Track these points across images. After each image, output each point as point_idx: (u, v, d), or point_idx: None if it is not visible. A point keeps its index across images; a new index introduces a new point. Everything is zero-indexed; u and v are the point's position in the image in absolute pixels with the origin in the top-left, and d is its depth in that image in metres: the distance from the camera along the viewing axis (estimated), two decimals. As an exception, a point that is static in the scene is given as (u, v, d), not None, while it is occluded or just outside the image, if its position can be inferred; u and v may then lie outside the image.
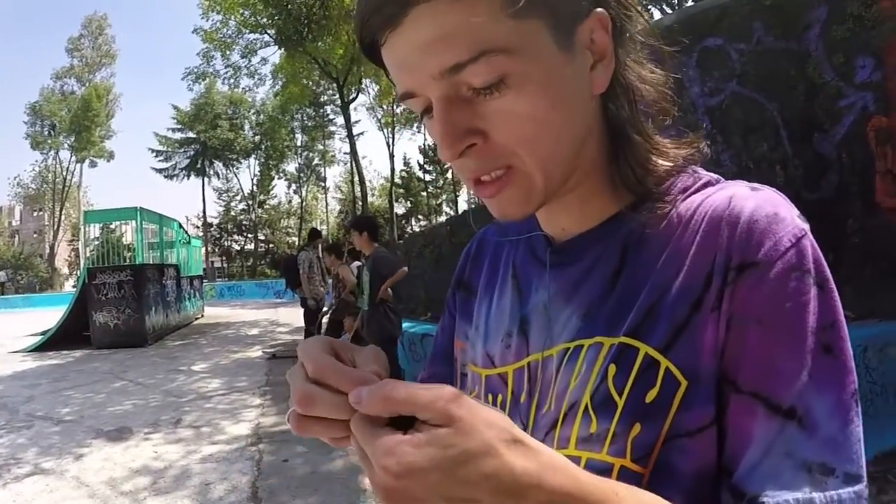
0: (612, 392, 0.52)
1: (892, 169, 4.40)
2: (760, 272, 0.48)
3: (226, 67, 26.31)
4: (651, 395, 0.51)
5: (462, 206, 51.16)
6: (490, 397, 0.64)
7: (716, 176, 0.59)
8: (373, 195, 37.35)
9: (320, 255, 8.98)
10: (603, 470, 0.50)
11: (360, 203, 33.07)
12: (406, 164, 51.94)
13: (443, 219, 49.59)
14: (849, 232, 4.77)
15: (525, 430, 0.52)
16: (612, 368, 0.53)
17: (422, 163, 50.43)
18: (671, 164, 0.58)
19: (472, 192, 0.59)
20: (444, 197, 52.15)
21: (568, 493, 0.40)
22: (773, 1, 5.16)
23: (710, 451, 0.50)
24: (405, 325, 6.05)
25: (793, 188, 4.88)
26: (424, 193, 51.05)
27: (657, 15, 28.61)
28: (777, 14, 5.06)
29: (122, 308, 11.89)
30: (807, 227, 0.50)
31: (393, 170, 46.00)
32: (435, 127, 0.52)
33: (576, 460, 0.50)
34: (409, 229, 50.64)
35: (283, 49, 23.13)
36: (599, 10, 0.52)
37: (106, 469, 4.47)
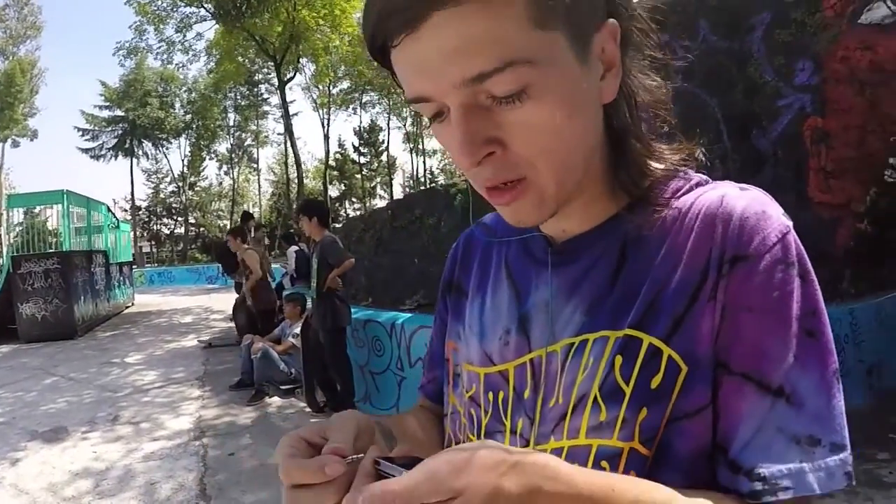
0: (620, 381, 0.56)
1: (824, 166, 4.65)
2: (751, 264, 0.53)
3: (159, 42, 25.23)
4: (656, 381, 0.55)
5: (397, 188, 51.07)
6: (490, 395, 0.66)
7: (705, 177, 0.63)
8: (306, 177, 36.70)
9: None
10: (614, 454, 0.55)
11: (296, 185, 32.50)
12: (341, 145, 51.30)
13: (377, 202, 49.43)
14: (781, 224, 5.05)
15: (531, 423, 0.62)
16: (619, 359, 0.56)
17: (356, 145, 49.90)
18: (666, 168, 0.62)
19: (485, 198, 0.58)
20: (378, 180, 51.86)
21: (567, 496, 0.44)
22: (720, 2, 5.34)
23: (706, 432, 0.54)
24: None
25: (730, 181, 5.12)
26: (359, 176, 50.57)
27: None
28: (723, 14, 5.23)
29: (49, 298, 11.22)
30: (791, 224, 0.56)
31: (328, 151, 45.35)
32: (454, 134, 0.52)
33: (587, 448, 0.57)
34: (342, 212, 50.12)
35: (220, 24, 22.32)
36: (612, 21, 0.54)
37: (45, 474, 4.25)
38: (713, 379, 0.54)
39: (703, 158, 0.64)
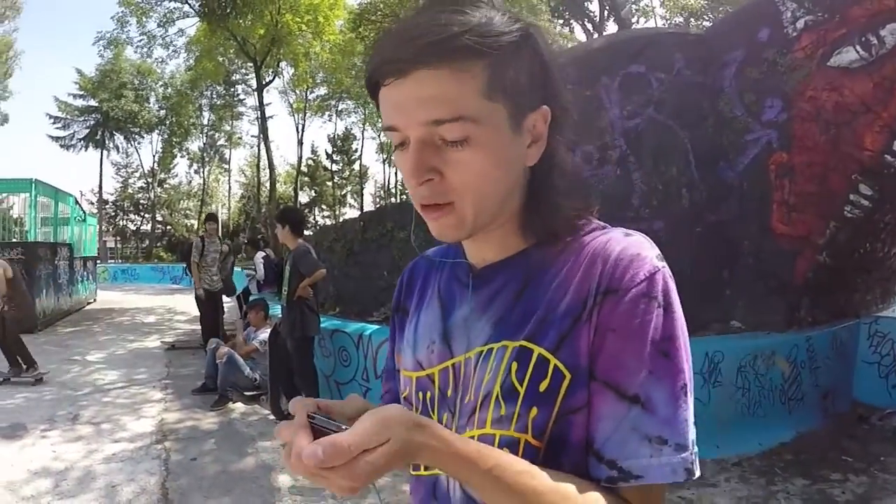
0: (515, 383, 0.70)
1: (787, 200, 4.83)
2: (619, 296, 0.66)
3: (140, 35, 24.88)
4: (543, 385, 0.68)
5: (367, 199, 50.90)
6: (420, 394, 0.82)
7: (603, 224, 0.77)
8: (277, 181, 36.49)
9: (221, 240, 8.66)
10: (512, 443, 0.69)
11: (266, 189, 32.19)
12: (314, 151, 50.95)
13: (347, 210, 49.18)
14: (745, 252, 5.19)
15: (453, 417, 0.76)
16: (515, 365, 0.70)
17: (329, 152, 49.63)
18: (569, 219, 0.75)
19: (419, 212, 0.74)
20: (349, 188, 51.57)
21: (444, 452, 0.59)
22: (695, 38, 5.51)
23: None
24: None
25: (696, 210, 5.25)
26: (330, 183, 50.27)
27: (579, 32, 29.52)
28: (698, 50, 5.40)
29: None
30: (662, 265, 0.69)
31: (300, 157, 45.00)
32: (408, 159, 0.68)
33: (491, 437, 0.70)
34: (311, 219, 49.73)
35: (204, 22, 22.11)
36: (545, 107, 0.71)
37: (2, 471, 4.15)
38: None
39: (594, 211, 0.79)
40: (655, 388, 0.64)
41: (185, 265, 10.79)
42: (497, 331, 0.74)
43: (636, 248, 0.69)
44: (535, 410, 0.68)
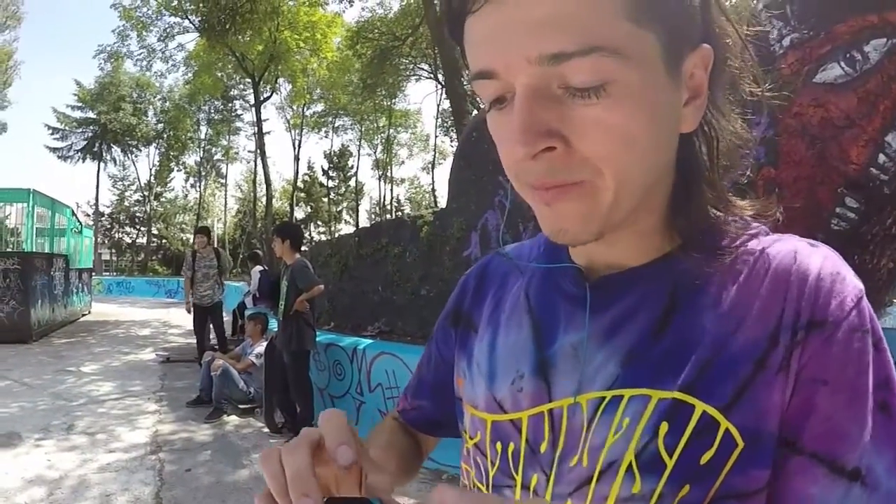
0: (662, 451, 0.49)
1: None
2: (828, 332, 0.47)
3: (140, 48, 25.14)
4: (706, 457, 0.48)
5: (363, 215, 51.05)
6: (499, 445, 0.59)
7: (764, 228, 0.57)
8: (273, 197, 36.61)
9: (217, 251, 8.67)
10: None
11: (264, 204, 32.21)
12: (310, 167, 51.15)
13: (343, 226, 49.30)
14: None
15: (547, 481, 0.55)
16: (665, 426, 0.49)
17: (326, 168, 49.79)
18: (732, 222, 0.56)
19: (522, 196, 0.52)
20: (344, 204, 51.68)
21: None
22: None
23: None
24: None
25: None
26: (326, 200, 50.39)
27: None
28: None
29: (6, 300, 10.84)
30: (862, 286, 0.50)
31: (296, 173, 45.15)
32: (513, 119, 0.46)
33: None
34: (307, 234, 49.82)
35: (203, 38, 22.36)
36: (706, 46, 0.49)
37: (-4, 478, 4.16)
38: (775, 457, 0.48)
39: (780, 218, 0.57)
40: (877, 456, 0.46)
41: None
42: (630, 371, 0.52)
43: (833, 264, 0.51)
44: (686, 489, 0.48)
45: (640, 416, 0.50)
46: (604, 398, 0.53)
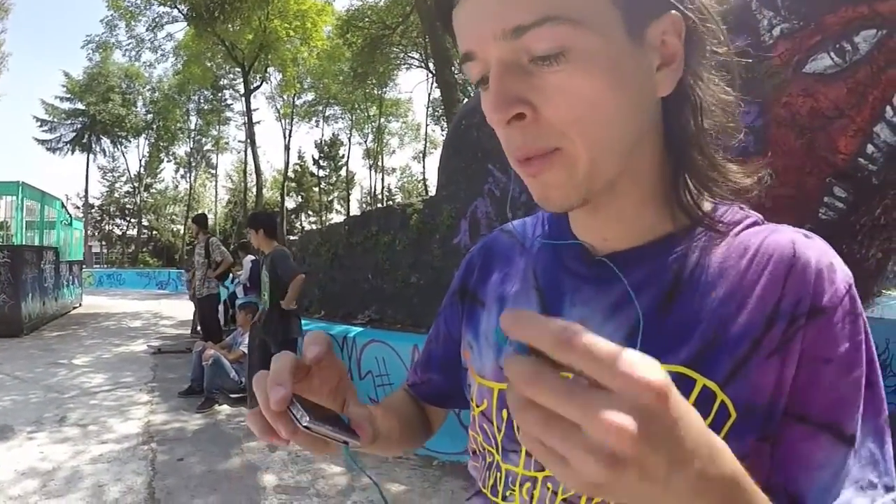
0: None
1: (763, 203, 4.93)
2: (828, 317, 0.52)
3: (129, 39, 24.93)
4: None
5: (354, 204, 50.98)
6: (505, 412, 0.63)
7: (760, 216, 0.61)
8: (264, 187, 36.41)
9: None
10: None
11: (254, 194, 32.14)
12: (301, 157, 50.99)
13: (334, 216, 49.22)
14: (724, 256, 5.30)
15: None
16: None
17: (316, 157, 49.64)
18: (729, 192, 0.58)
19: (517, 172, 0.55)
20: (336, 194, 51.61)
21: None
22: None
23: None
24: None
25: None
26: (317, 189, 50.30)
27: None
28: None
29: None
30: (851, 274, 0.56)
31: (287, 162, 45.02)
32: (489, 90, 0.51)
33: None
34: (298, 224, 49.73)
35: (192, 27, 22.19)
36: (675, 13, 0.52)
37: (-11, 471, 4.15)
38: (774, 427, 0.53)
39: (769, 179, 0.60)
40: (864, 424, 0.52)
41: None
42: (634, 345, 0.52)
43: (827, 255, 0.55)
44: None
45: None
46: None
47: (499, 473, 0.65)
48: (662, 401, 0.33)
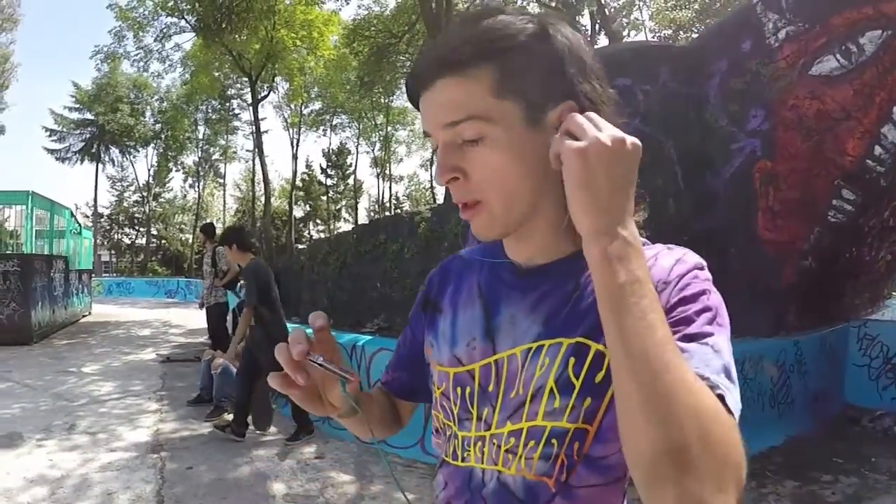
0: (572, 377, 0.73)
1: (772, 206, 4.92)
2: (679, 281, 0.72)
3: (137, 49, 25.07)
4: (599, 378, 0.72)
5: (362, 213, 50.97)
6: (458, 390, 0.84)
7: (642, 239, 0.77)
8: (272, 196, 36.51)
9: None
10: (563, 433, 0.74)
11: (263, 203, 32.26)
12: (308, 166, 51.09)
13: (342, 224, 49.25)
14: (731, 260, 5.26)
15: (493, 411, 0.79)
16: (572, 360, 0.74)
17: (324, 166, 49.75)
18: None
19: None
20: (343, 202, 51.60)
21: (637, 249, 0.64)
22: (680, 50, 5.59)
23: None
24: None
25: (682, 219, 5.32)
26: (325, 198, 50.36)
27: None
28: (682, 62, 5.49)
29: (6, 302, 10.75)
30: (703, 263, 0.75)
31: (295, 171, 45.13)
32: (437, 160, 0.75)
33: (542, 428, 0.75)
34: (306, 233, 49.82)
35: (199, 37, 22.30)
36: (570, 102, 0.72)
37: None
38: None
39: (644, 216, 0.81)
40: (713, 335, 0.67)
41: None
42: (548, 329, 0.76)
43: (680, 259, 0.75)
44: (588, 401, 0.72)
45: (556, 356, 0.75)
46: (531, 348, 0.77)
47: (456, 440, 0.84)
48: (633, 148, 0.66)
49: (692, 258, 0.76)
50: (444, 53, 0.73)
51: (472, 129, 0.71)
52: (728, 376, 0.65)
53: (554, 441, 0.74)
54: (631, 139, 0.64)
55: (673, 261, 0.75)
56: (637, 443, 0.58)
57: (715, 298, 0.72)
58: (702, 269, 0.75)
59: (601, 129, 0.64)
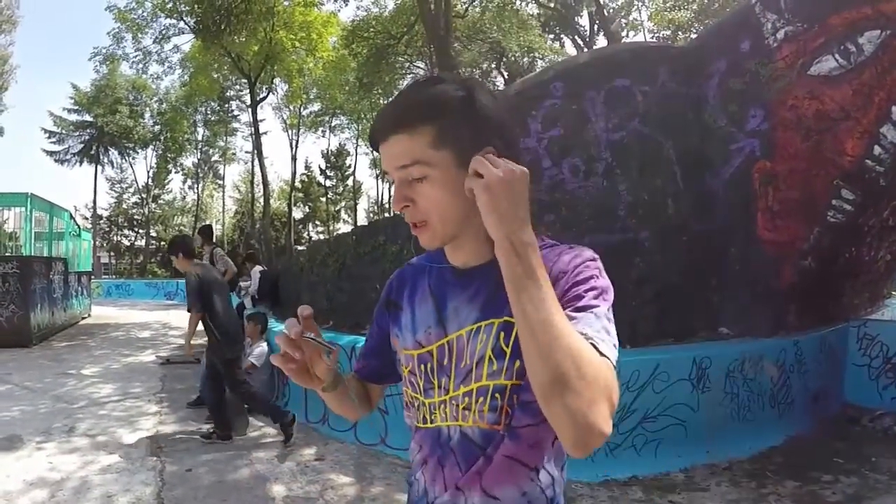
0: (503, 346, 0.98)
1: (771, 206, 4.91)
2: (573, 270, 0.96)
3: (136, 51, 25.04)
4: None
5: (361, 214, 50.93)
6: (422, 366, 1.09)
7: (552, 241, 1.06)
8: (271, 197, 36.46)
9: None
10: (503, 389, 0.98)
11: (262, 204, 32.24)
12: (307, 167, 51.05)
13: (341, 225, 49.20)
14: (731, 260, 5.25)
15: (449, 379, 1.04)
16: (502, 334, 0.98)
17: (323, 167, 49.73)
18: None
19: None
20: (343, 204, 51.59)
21: (534, 247, 0.86)
22: (679, 50, 5.57)
23: None
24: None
25: (682, 219, 5.31)
26: (324, 199, 50.35)
27: (569, 46, 29.77)
28: (681, 62, 5.47)
29: (5, 304, 10.76)
30: (596, 257, 1.00)
31: (294, 172, 45.11)
32: (394, 193, 1.01)
33: (487, 387, 1.00)
34: (305, 234, 49.80)
35: (198, 39, 22.28)
36: (490, 147, 0.94)
37: (-1, 481, 4.16)
38: None
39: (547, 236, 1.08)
40: (597, 307, 0.91)
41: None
42: (483, 313, 1.01)
43: (577, 256, 0.99)
44: (518, 363, 0.95)
45: (490, 332, 1.00)
46: (472, 329, 1.02)
47: (424, 408, 1.09)
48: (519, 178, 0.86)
49: (587, 253, 1.01)
50: (398, 113, 0.98)
51: (418, 170, 0.95)
52: (607, 333, 0.88)
53: (497, 395, 0.99)
54: (520, 168, 0.86)
55: (571, 256, 0.99)
56: (534, 377, 0.82)
57: (602, 282, 0.96)
58: (593, 260, 0.99)
59: (497, 167, 0.86)
